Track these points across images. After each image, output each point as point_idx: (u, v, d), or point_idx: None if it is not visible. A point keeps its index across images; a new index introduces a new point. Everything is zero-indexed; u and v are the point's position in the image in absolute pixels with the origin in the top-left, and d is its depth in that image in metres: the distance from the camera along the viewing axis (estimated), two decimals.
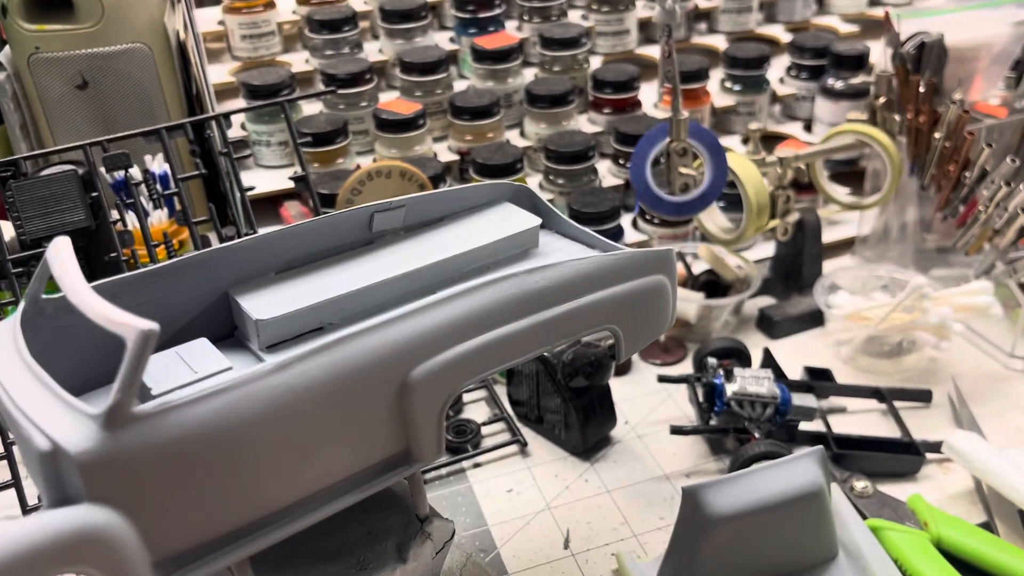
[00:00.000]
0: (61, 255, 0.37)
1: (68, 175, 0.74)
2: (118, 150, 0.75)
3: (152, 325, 0.33)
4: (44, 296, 0.41)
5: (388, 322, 0.39)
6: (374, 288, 0.48)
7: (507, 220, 0.54)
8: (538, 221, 0.54)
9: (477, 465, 0.71)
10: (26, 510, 0.65)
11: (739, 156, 0.80)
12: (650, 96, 1.02)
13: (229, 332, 0.49)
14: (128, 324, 0.32)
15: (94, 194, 0.74)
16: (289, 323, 0.46)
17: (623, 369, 0.80)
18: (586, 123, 0.99)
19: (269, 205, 0.90)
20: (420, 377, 0.40)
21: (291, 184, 0.88)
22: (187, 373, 0.42)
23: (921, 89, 0.79)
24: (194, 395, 0.35)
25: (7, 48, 0.83)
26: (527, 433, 0.74)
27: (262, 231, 0.49)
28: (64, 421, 0.33)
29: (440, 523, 0.47)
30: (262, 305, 0.46)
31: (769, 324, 0.84)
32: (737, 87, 1.01)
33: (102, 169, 0.77)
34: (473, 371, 0.42)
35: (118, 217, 0.76)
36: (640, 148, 0.77)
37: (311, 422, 0.38)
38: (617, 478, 0.69)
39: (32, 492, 0.66)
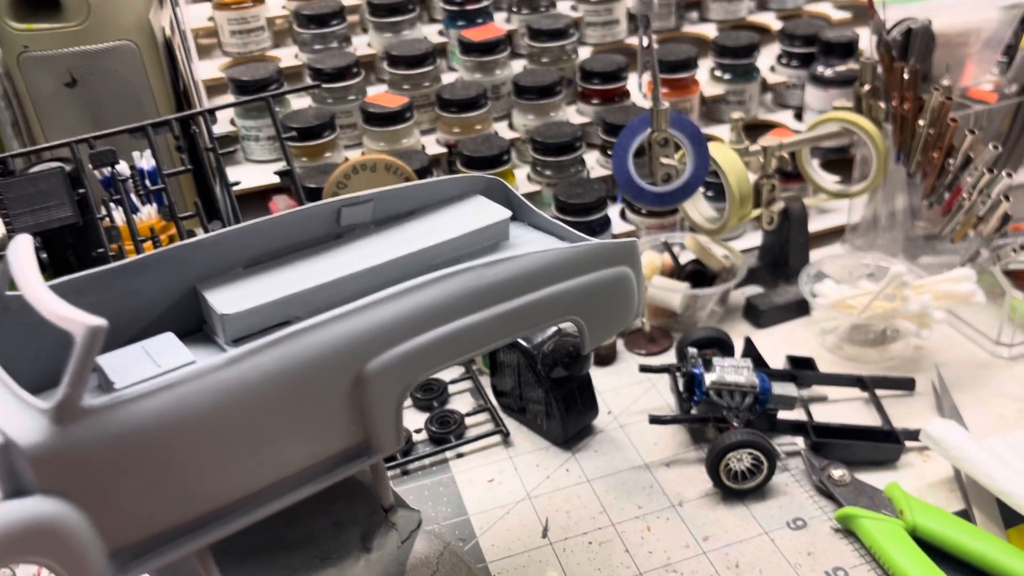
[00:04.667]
0: (19, 252, 0.38)
1: (54, 172, 0.75)
2: (105, 146, 0.76)
3: (100, 322, 0.33)
4: (8, 293, 0.42)
5: (342, 315, 0.40)
6: (341, 282, 0.48)
7: (478, 213, 0.55)
8: (508, 214, 0.54)
9: (460, 455, 0.72)
10: None
11: (721, 145, 0.80)
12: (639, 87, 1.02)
13: (198, 327, 0.49)
14: (77, 320, 0.33)
15: (81, 191, 0.75)
16: (254, 317, 0.46)
17: (607, 359, 0.81)
18: (575, 114, 0.99)
19: (258, 199, 0.91)
20: (376, 370, 0.41)
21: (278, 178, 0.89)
22: (150, 367, 0.42)
23: (905, 76, 0.79)
24: (145, 390, 0.35)
25: None
26: (510, 423, 0.75)
27: (231, 227, 0.49)
28: (16, 416, 0.34)
29: (405, 512, 0.47)
30: (228, 299, 0.47)
31: (755, 313, 0.84)
32: (727, 76, 1.01)
33: (89, 166, 0.78)
34: (430, 363, 0.42)
35: (106, 213, 0.77)
36: (622, 139, 0.77)
37: (266, 414, 0.38)
38: (598, 467, 0.70)
39: None
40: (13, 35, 0.81)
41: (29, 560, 0.34)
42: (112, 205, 0.78)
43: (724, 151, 0.78)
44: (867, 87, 0.82)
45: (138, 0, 0.83)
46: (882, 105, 0.82)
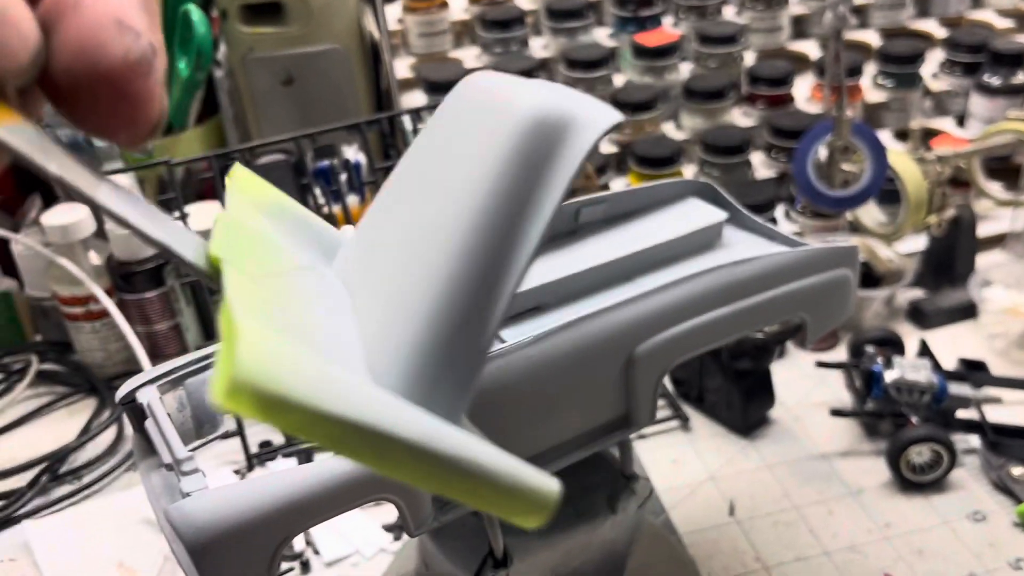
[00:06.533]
0: None
1: (283, 164, 0.83)
2: (325, 142, 0.85)
3: None
4: None
5: (621, 304, 0.46)
6: (582, 274, 0.54)
7: (694, 214, 0.60)
8: (724, 216, 0.59)
9: (642, 436, 0.78)
10: (249, 456, 0.75)
11: (899, 153, 0.83)
12: (802, 91, 1.05)
13: None
14: None
15: (304, 180, 0.84)
16: (516, 301, 0.53)
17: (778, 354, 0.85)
18: (740, 116, 1.03)
19: None
20: (644, 352, 0.46)
21: None
22: None
23: None
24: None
25: (223, 48, 0.93)
26: (687, 410, 0.80)
27: None
28: None
29: (643, 482, 0.53)
30: None
31: (921, 316, 0.87)
32: (890, 83, 1.03)
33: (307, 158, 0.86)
34: (687, 349, 0.48)
35: (323, 201, 0.85)
36: (804, 144, 0.81)
37: (556, 385, 0.44)
38: (776, 454, 0.74)
39: (253, 441, 0.76)
40: (241, 38, 0.90)
41: (381, 497, 0.40)
42: (329, 195, 0.86)
43: (903, 160, 0.82)
44: None
45: (351, 7, 0.91)
46: None
